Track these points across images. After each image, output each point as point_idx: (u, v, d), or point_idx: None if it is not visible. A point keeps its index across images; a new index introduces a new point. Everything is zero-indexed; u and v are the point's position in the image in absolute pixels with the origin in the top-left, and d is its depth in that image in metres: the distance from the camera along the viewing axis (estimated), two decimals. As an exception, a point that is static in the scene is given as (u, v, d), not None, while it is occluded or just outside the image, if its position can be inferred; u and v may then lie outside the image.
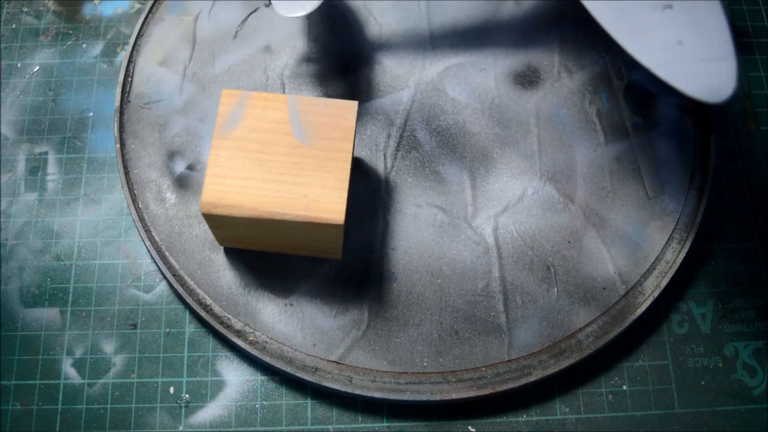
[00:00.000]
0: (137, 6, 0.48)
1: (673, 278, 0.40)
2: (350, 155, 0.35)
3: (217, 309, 0.39)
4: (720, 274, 0.42)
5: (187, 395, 0.39)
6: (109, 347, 0.39)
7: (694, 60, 0.33)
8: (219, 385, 0.39)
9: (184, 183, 0.42)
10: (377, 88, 0.44)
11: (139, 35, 0.46)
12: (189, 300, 0.39)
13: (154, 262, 0.41)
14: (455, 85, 0.44)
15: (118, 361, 0.39)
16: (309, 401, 0.39)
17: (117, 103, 0.43)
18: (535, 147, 0.43)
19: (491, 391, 0.37)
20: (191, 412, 0.38)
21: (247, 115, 0.36)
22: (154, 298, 0.41)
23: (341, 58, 0.45)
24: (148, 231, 0.41)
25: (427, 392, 0.37)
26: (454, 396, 0.37)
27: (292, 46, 0.45)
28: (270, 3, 0.47)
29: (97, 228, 0.42)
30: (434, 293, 0.40)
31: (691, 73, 0.33)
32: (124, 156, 0.42)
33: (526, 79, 0.45)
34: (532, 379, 0.38)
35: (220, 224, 0.36)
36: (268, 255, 0.40)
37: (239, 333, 0.39)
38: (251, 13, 0.46)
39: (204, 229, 0.41)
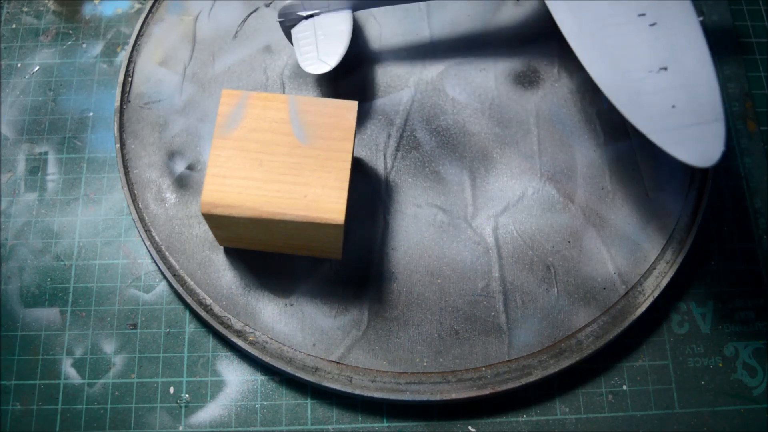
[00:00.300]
0: (137, 6, 0.48)
1: (673, 278, 0.40)
2: (350, 155, 0.35)
3: (217, 309, 0.39)
4: (720, 274, 0.42)
5: (187, 395, 0.39)
6: (109, 347, 0.39)
7: (686, 124, 0.34)
8: (219, 385, 0.39)
9: (184, 183, 0.42)
10: (377, 88, 0.44)
11: (139, 35, 0.46)
12: (189, 300, 0.39)
13: (154, 262, 0.41)
14: (455, 85, 0.44)
15: (118, 361, 0.39)
16: (309, 401, 0.39)
17: (117, 103, 0.43)
18: (535, 147, 0.43)
19: (491, 391, 0.37)
20: (191, 412, 0.38)
21: (247, 115, 0.36)
22: (154, 298, 0.41)
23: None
24: (148, 231, 0.41)
25: (427, 392, 0.37)
26: (454, 396, 0.37)
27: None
28: (270, 3, 0.47)
29: (97, 228, 0.42)
30: (434, 293, 0.40)
31: (682, 138, 0.33)
32: (124, 156, 0.42)
33: (526, 79, 0.45)
34: (532, 379, 0.38)
35: (220, 224, 0.36)
36: (268, 255, 0.40)
37: (239, 333, 0.39)
38: (251, 13, 0.46)
39: (204, 229, 0.41)
